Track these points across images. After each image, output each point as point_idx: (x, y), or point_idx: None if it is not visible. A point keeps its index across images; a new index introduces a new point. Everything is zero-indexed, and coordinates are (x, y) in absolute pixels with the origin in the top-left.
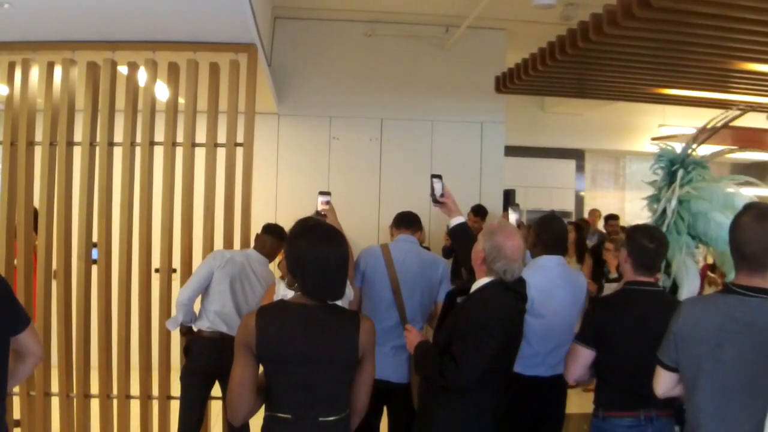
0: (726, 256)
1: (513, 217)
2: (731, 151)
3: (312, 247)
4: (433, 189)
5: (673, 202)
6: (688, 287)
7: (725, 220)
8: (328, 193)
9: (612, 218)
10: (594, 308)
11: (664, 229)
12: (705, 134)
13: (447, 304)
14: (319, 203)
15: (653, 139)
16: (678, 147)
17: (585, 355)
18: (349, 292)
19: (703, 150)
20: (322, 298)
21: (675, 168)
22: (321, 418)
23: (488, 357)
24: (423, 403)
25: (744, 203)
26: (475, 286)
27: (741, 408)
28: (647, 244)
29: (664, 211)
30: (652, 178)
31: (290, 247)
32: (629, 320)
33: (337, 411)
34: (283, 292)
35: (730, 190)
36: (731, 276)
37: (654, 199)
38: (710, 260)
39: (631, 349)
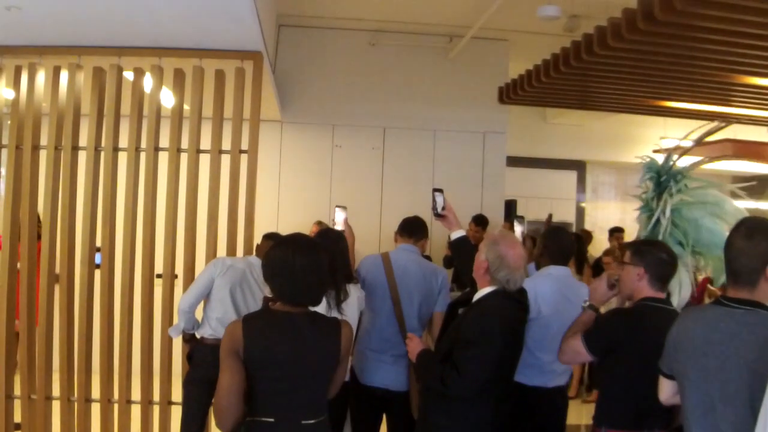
0: (715, 262)
1: (518, 229)
2: (709, 161)
3: (281, 254)
4: (434, 203)
5: (668, 212)
6: (678, 296)
7: (716, 226)
8: (344, 208)
9: (617, 231)
10: (611, 318)
11: (660, 239)
12: (686, 147)
13: (449, 314)
14: (338, 219)
15: (655, 151)
16: (660, 158)
17: (583, 355)
18: (362, 303)
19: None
20: (292, 302)
21: (664, 179)
22: (303, 421)
23: (490, 366)
24: (424, 411)
25: (732, 208)
26: (477, 296)
27: (722, 418)
28: (665, 257)
29: (657, 221)
30: (638, 190)
31: (266, 255)
32: (646, 338)
33: (316, 414)
34: None
35: (717, 193)
36: (720, 282)
37: (646, 210)
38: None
39: (643, 368)
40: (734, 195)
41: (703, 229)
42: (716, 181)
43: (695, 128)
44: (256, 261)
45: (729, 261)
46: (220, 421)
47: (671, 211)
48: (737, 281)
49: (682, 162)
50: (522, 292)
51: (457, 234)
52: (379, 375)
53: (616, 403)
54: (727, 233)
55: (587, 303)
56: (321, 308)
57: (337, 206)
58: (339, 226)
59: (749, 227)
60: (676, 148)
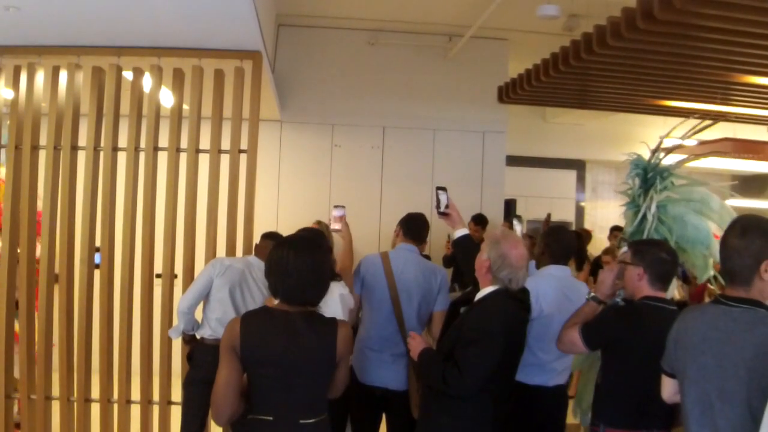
0: (698, 258)
1: (517, 228)
2: (694, 159)
3: (279, 253)
4: (438, 201)
5: (653, 207)
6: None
7: (701, 222)
8: (342, 207)
9: (617, 229)
10: (609, 315)
11: (644, 235)
12: (673, 145)
13: (450, 313)
14: (333, 218)
15: (653, 150)
16: (646, 156)
17: (579, 347)
18: (349, 300)
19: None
20: (288, 301)
21: (650, 175)
22: (302, 420)
23: (491, 364)
24: (424, 410)
25: (718, 205)
26: (479, 295)
27: (720, 415)
28: (665, 257)
29: (643, 217)
30: (623, 187)
31: (268, 254)
32: (644, 337)
33: (315, 414)
34: None
35: (703, 190)
36: (703, 278)
37: (632, 206)
38: (712, 272)
39: (641, 367)
40: (723, 193)
41: (689, 225)
42: (710, 179)
43: (676, 125)
44: (255, 261)
45: (724, 260)
46: (216, 416)
47: (657, 207)
48: (733, 280)
49: (671, 159)
50: (524, 292)
51: (460, 232)
52: (378, 374)
53: (615, 402)
54: (712, 230)
55: (591, 294)
56: None
57: (334, 206)
58: (336, 225)
59: (743, 225)
60: (660, 146)
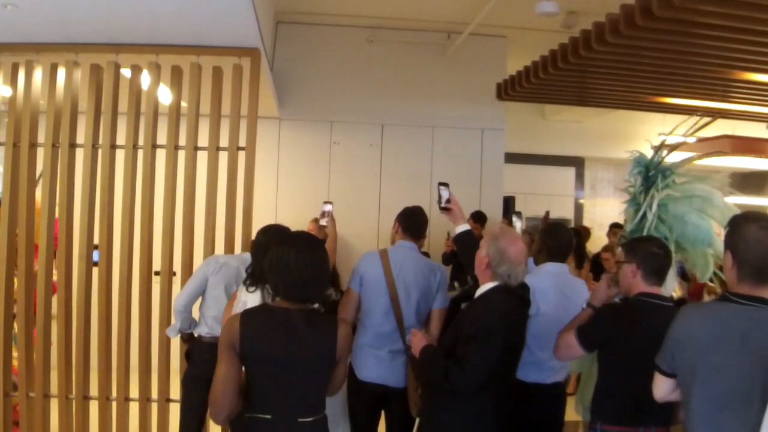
0: (699, 257)
1: (517, 225)
2: (698, 158)
3: (279, 250)
4: (440, 196)
5: (654, 206)
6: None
7: (702, 221)
8: (330, 203)
9: (616, 226)
10: (604, 313)
11: (644, 233)
12: (675, 143)
13: (451, 310)
14: (321, 214)
15: (652, 147)
16: (649, 154)
17: (576, 349)
18: None
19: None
20: (287, 298)
21: (652, 173)
22: (300, 419)
23: (492, 361)
24: (426, 407)
25: (720, 203)
26: (479, 292)
27: (732, 416)
28: (656, 251)
29: (644, 215)
30: (624, 185)
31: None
32: (643, 334)
33: (313, 412)
34: (244, 299)
35: (705, 187)
36: (705, 278)
37: (633, 204)
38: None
39: (640, 364)
40: (723, 189)
41: (689, 224)
42: (710, 176)
43: (680, 123)
44: (251, 258)
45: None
46: (214, 413)
47: (658, 206)
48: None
49: (673, 157)
50: (524, 287)
51: (461, 228)
52: (377, 371)
53: (612, 399)
54: (713, 228)
55: (587, 303)
56: (257, 297)
57: (324, 202)
58: (323, 221)
59: None
60: (663, 144)
